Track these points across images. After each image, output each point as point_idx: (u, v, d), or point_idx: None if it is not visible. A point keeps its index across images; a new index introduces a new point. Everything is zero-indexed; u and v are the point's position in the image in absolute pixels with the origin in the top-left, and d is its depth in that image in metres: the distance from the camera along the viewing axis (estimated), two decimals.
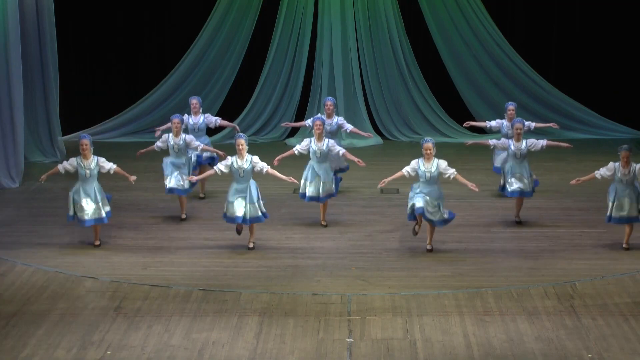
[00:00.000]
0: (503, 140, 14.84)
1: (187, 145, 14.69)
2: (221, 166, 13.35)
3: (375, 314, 11.34)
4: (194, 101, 16.04)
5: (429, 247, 13.42)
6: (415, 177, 13.29)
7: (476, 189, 13.19)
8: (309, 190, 14.32)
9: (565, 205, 15.57)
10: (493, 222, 14.87)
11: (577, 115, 21.39)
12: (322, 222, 14.61)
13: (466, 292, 12.04)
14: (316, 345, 10.48)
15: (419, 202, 13.08)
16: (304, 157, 14.66)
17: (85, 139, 13.35)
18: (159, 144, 14.79)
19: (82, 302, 11.70)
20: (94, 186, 13.40)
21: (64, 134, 19.61)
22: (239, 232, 13.59)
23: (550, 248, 13.75)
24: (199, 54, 21.14)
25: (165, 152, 14.87)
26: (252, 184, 13.32)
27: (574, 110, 21.40)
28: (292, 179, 13.41)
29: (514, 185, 14.41)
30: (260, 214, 13.39)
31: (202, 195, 16.00)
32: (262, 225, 13.59)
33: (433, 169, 13.09)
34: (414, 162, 13.24)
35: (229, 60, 21.27)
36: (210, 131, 17.36)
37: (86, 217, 13.36)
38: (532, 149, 14.51)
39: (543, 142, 14.56)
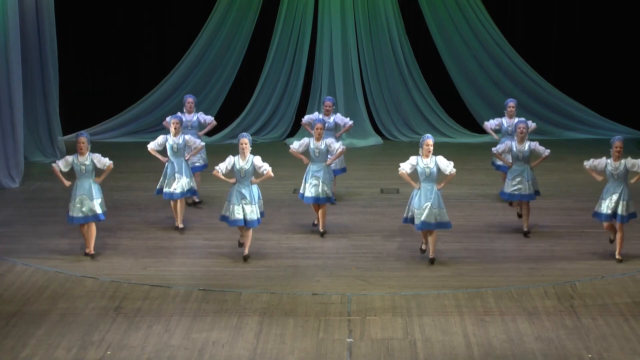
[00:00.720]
0: (505, 143, 14.46)
1: (186, 145, 14.49)
2: (223, 166, 13.12)
3: (375, 314, 11.34)
4: (190, 100, 15.99)
5: (431, 255, 13.11)
6: (413, 175, 13.12)
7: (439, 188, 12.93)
8: (308, 191, 14.20)
9: (565, 205, 15.57)
10: (493, 222, 14.87)
11: (577, 115, 21.40)
12: (320, 229, 14.31)
13: (466, 292, 12.04)
14: (316, 345, 10.48)
15: (417, 218, 12.90)
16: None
17: (83, 137, 13.26)
18: (153, 145, 14.34)
19: (82, 302, 11.70)
20: (91, 184, 13.25)
21: (64, 134, 19.60)
22: (241, 244, 13.37)
23: (550, 248, 13.75)
24: (199, 54, 21.15)
25: (161, 152, 14.61)
26: (253, 186, 13.24)
27: (574, 110, 21.40)
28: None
29: (512, 188, 14.13)
30: (256, 217, 13.16)
31: (197, 200, 15.78)
32: (262, 225, 13.56)
33: (432, 165, 12.97)
34: (412, 159, 13.03)
35: (229, 60, 21.28)
36: (211, 131, 17.32)
37: (81, 215, 13.20)
38: (535, 153, 14.13)
39: (547, 152, 14.06)
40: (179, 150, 14.38)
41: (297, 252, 13.63)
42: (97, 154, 13.31)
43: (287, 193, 16.18)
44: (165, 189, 14.33)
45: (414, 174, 13.09)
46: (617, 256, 13.09)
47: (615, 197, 12.98)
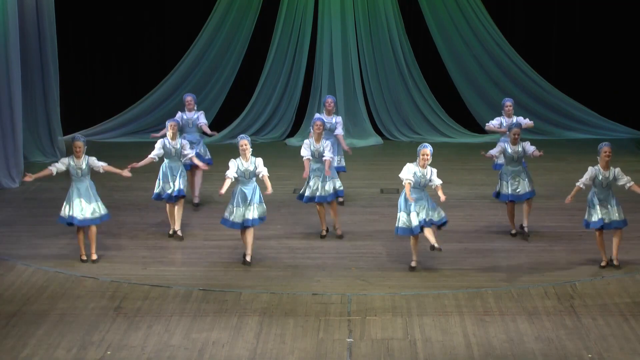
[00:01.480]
0: (499, 145, 14.48)
1: (182, 149, 14.35)
2: (231, 172, 12.93)
3: (375, 314, 11.34)
4: (189, 98, 15.95)
5: (437, 245, 12.79)
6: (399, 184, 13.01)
7: (443, 199, 12.70)
8: (307, 191, 14.17)
9: (565, 205, 15.52)
10: (493, 221, 14.87)
11: (577, 115, 21.40)
12: (335, 229, 14.24)
13: (466, 292, 12.04)
14: (316, 345, 10.49)
15: (414, 220, 12.75)
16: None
17: (80, 141, 13.20)
18: (155, 153, 14.17)
19: (82, 302, 11.70)
20: (88, 186, 13.23)
21: (64, 134, 19.57)
22: (246, 261, 13.19)
23: (550, 248, 13.75)
24: (199, 54, 21.15)
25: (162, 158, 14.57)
26: (255, 187, 13.14)
27: (574, 110, 21.40)
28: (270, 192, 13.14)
29: (509, 189, 14.11)
30: (257, 216, 13.09)
31: (196, 201, 15.76)
32: (262, 225, 13.55)
33: (428, 176, 12.86)
34: (410, 167, 12.76)
35: (229, 60, 21.28)
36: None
37: (81, 217, 13.17)
38: (527, 154, 14.14)
39: (535, 152, 14.01)
40: (177, 154, 14.28)
41: (297, 252, 13.63)
42: (93, 157, 13.27)
43: (287, 193, 16.18)
44: (162, 192, 14.26)
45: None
46: (615, 262, 12.93)
47: (606, 204, 12.83)
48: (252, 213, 13.03)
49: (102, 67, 21.45)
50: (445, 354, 10.29)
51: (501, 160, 14.68)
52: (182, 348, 10.41)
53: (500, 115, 16.02)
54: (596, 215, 12.81)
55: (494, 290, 12.10)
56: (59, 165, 13.21)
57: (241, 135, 13.32)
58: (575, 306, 11.55)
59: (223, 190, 12.91)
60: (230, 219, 13.08)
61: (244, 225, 13.06)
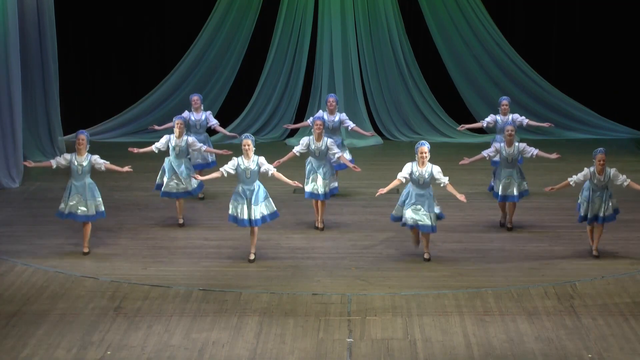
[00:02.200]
0: (494, 146, 14.57)
1: (189, 147, 14.56)
2: (227, 167, 13.10)
3: (375, 314, 11.34)
4: (195, 98, 16.12)
5: (426, 256, 13.20)
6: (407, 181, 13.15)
7: (464, 200, 13.03)
8: (308, 187, 14.32)
9: (565, 205, 15.55)
10: (493, 221, 14.87)
11: (577, 115, 21.41)
12: (319, 225, 14.50)
13: (466, 292, 12.04)
14: (316, 345, 10.48)
15: (408, 216, 12.92)
16: (304, 156, 14.63)
17: (83, 134, 13.30)
18: (157, 145, 14.48)
19: (82, 302, 11.70)
20: (86, 183, 13.28)
21: (64, 134, 19.58)
22: (250, 260, 13.30)
23: (550, 248, 13.75)
24: (199, 54, 21.15)
25: (162, 153, 14.69)
26: (259, 186, 13.24)
27: (574, 110, 21.41)
28: (297, 183, 13.36)
29: (501, 191, 14.25)
30: (267, 212, 13.18)
31: (201, 195, 15.93)
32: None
33: (427, 175, 12.95)
34: (407, 166, 12.98)
35: (229, 60, 21.29)
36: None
37: (79, 213, 13.26)
38: (524, 155, 14.33)
39: (534, 151, 14.23)
40: (181, 152, 14.39)
41: (297, 252, 13.63)
42: (95, 156, 13.36)
43: (287, 193, 16.18)
44: (164, 189, 14.45)
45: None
46: (594, 252, 13.31)
47: (597, 199, 13.14)
48: (257, 212, 13.09)
49: (102, 67, 21.45)
50: (445, 354, 10.29)
51: (497, 158, 14.85)
52: (182, 348, 10.40)
53: (496, 113, 16.17)
54: (584, 211, 13.20)
55: (494, 290, 12.10)
56: (60, 160, 13.32)
57: (245, 135, 13.40)
58: (575, 306, 11.55)
59: (205, 177, 13.59)
60: (233, 215, 13.17)
61: (250, 225, 13.17)
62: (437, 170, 12.94)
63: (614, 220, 13.31)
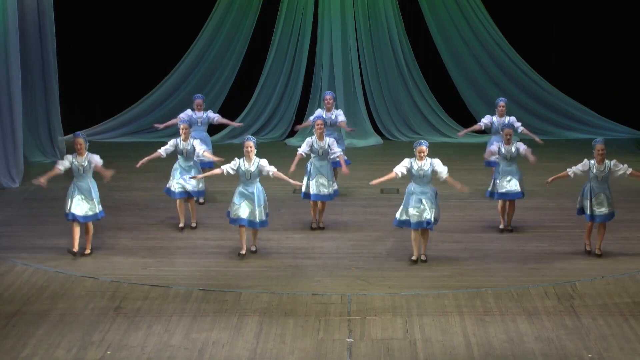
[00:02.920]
0: (493, 146, 14.59)
1: (195, 150, 14.52)
2: (228, 167, 13.17)
3: (375, 314, 11.34)
4: (198, 100, 16.32)
5: (423, 257, 13.22)
6: (407, 176, 13.14)
7: (465, 190, 13.09)
8: (312, 188, 14.31)
9: (565, 205, 15.55)
10: (493, 221, 14.86)
11: (577, 115, 21.40)
12: (320, 224, 14.56)
13: (466, 292, 12.04)
14: (316, 345, 10.48)
15: (412, 213, 12.94)
16: (309, 157, 14.61)
17: (80, 138, 13.34)
18: (166, 148, 14.41)
19: (82, 302, 11.70)
20: (89, 183, 13.32)
21: (64, 134, 19.55)
22: (241, 255, 13.35)
23: (550, 248, 13.75)
24: (199, 54, 21.14)
25: (170, 156, 14.63)
26: (259, 188, 13.25)
27: (574, 110, 21.40)
28: (298, 183, 13.39)
29: (501, 188, 14.22)
30: (259, 220, 13.23)
31: (201, 201, 15.82)
32: None
33: (427, 167, 12.98)
34: (405, 161, 13.06)
35: (229, 60, 21.27)
36: (211, 130, 17.37)
37: (81, 213, 13.28)
38: (521, 153, 14.29)
39: (523, 148, 14.20)
40: (189, 155, 14.45)
41: (297, 252, 13.63)
42: (95, 155, 13.40)
43: (287, 193, 16.18)
44: (172, 189, 14.45)
45: (407, 174, 13.11)
46: (597, 250, 13.30)
47: (603, 196, 13.13)
48: (257, 216, 13.14)
49: (102, 67, 21.43)
50: (445, 354, 10.29)
51: (493, 157, 14.90)
52: (182, 348, 10.40)
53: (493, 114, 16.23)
54: (587, 208, 13.17)
55: (494, 290, 12.10)
56: (64, 162, 13.39)
57: (248, 137, 13.43)
58: (575, 306, 11.55)
59: (206, 174, 13.85)
60: (231, 216, 13.21)
61: (250, 226, 13.20)
62: (437, 162, 12.98)
63: (611, 219, 13.29)
